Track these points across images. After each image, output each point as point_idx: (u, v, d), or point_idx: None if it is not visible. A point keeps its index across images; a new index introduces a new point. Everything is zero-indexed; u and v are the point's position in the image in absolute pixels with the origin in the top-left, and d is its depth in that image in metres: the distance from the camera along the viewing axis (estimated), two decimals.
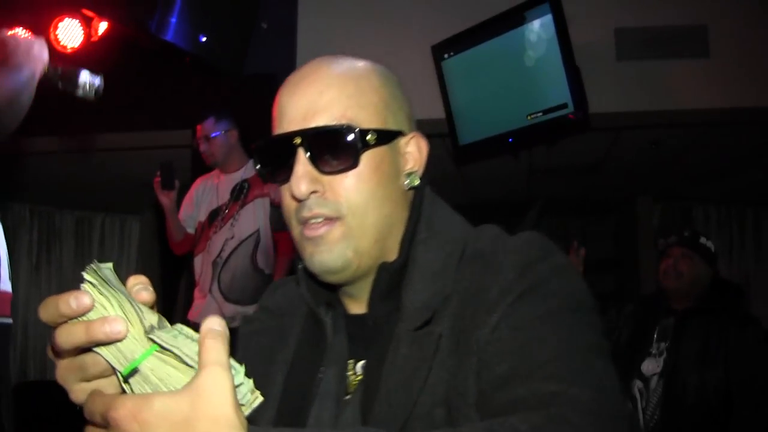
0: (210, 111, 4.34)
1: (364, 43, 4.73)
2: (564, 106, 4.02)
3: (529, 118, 4.14)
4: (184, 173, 4.53)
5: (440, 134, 4.80)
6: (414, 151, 1.19)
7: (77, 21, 4.21)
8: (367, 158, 1.11)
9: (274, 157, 1.14)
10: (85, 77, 1.98)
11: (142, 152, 5.46)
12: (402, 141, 1.18)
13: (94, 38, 4.29)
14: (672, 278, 3.58)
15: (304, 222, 1.11)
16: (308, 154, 1.09)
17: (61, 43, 3.74)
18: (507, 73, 4.22)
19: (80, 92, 1.99)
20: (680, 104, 4.57)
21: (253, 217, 4.20)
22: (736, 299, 3.87)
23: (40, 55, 2.11)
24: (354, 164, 1.10)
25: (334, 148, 1.10)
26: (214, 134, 4.26)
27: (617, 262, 9.23)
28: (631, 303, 3.90)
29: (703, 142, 5.96)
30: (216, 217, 4.28)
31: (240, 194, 4.24)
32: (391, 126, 1.16)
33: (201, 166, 4.50)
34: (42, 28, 2.16)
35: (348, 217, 1.10)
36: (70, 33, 4.20)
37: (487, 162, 6.05)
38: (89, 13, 4.11)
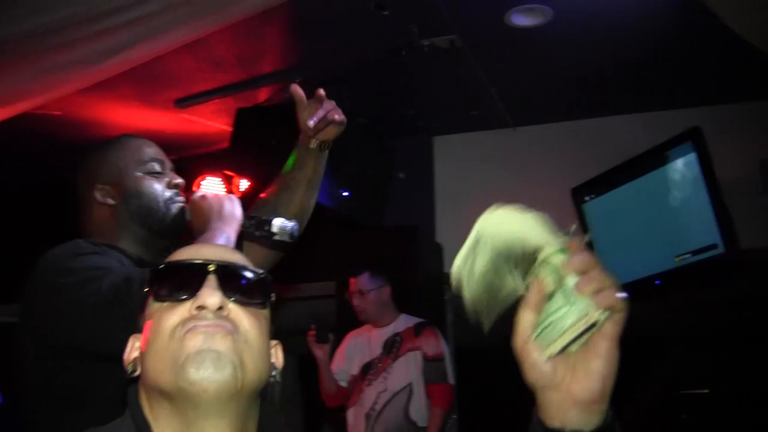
0: (358, 265, 4.48)
1: (503, 187, 4.73)
2: (714, 246, 3.85)
3: (677, 259, 4.00)
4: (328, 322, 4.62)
5: None
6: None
7: (219, 179, 4.51)
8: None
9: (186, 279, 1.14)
10: (278, 223, 1.94)
11: (286, 303, 5.59)
12: None
13: (236, 195, 4.52)
14: None
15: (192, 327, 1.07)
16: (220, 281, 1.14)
17: None
18: (651, 214, 4.13)
19: (277, 237, 1.95)
20: None
21: (405, 370, 4.24)
22: None
23: (232, 214, 1.93)
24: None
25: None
26: (367, 289, 4.38)
27: None
28: None
29: None
30: (369, 370, 4.34)
31: (392, 348, 4.32)
32: None
33: (346, 316, 4.59)
34: (186, 186, 2.05)
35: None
36: (212, 190, 4.45)
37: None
38: (230, 173, 4.35)
